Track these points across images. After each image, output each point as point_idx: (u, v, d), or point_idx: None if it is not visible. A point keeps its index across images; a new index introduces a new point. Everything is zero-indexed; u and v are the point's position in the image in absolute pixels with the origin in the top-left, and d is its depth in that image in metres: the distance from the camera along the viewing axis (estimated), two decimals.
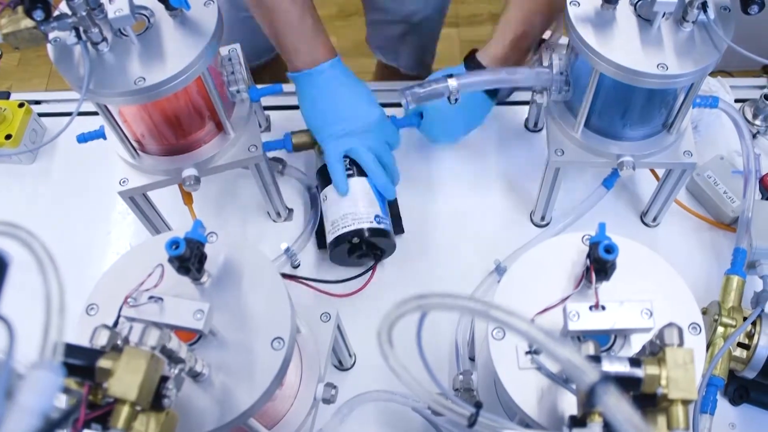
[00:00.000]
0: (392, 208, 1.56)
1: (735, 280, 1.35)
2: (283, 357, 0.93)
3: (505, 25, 1.49)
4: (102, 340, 0.79)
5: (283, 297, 0.98)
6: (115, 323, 0.89)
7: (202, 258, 0.96)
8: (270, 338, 0.94)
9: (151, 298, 0.91)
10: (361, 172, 1.48)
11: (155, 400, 0.79)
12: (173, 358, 0.84)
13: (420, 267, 1.56)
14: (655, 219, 1.58)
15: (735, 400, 1.36)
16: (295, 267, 1.55)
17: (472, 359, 1.37)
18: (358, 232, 1.43)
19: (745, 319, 1.29)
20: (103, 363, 0.76)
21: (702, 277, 1.49)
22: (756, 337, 1.28)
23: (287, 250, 1.51)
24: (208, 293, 0.98)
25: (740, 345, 1.29)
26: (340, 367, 1.43)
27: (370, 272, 1.51)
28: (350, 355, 1.42)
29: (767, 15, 1.21)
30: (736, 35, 1.18)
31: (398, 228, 1.56)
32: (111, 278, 1.01)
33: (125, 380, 0.75)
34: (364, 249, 1.47)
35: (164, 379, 0.80)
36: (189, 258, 0.92)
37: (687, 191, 1.62)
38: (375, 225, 1.44)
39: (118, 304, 0.91)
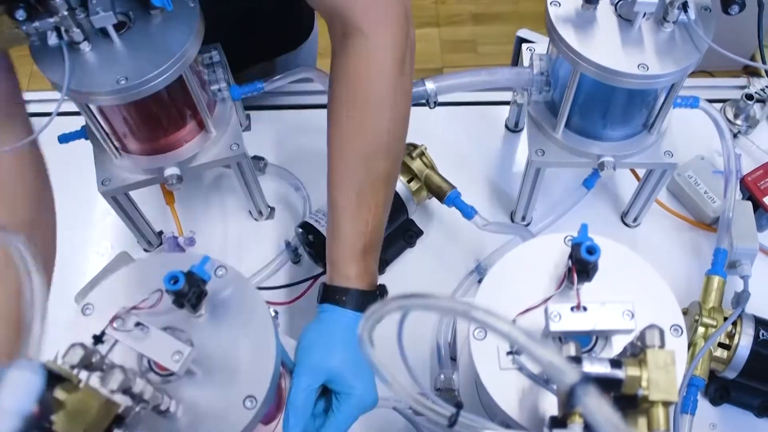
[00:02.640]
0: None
1: (716, 280, 1.35)
2: (251, 417, 0.91)
3: (345, 243, 1.19)
4: (74, 359, 0.77)
5: (270, 354, 0.95)
6: (102, 334, 0.88)
7: (200, 295, 0.94)
8: (244, 395, 0.92)
9: (137, 325, 0.88)
10: None
11: None
12: (136, 398, 0.83)
13: (401, 266, 1.56)
14: (635, 219, 1.59)
15: (716, 401, 1.37)
16: (295, 262, 1.56)
17: (453, 359, 1.36)
18: (315, 233, 1.44)
19: (725, 319, 1.29)
20: (59, 393, 0.73)
21: (683, 277, 1.50)
22: (736, 337, 1.28)
23: (288, 244, 1.50)
24: (200, 328, 0.96)
25: (721, 345, 1.29)
26: None
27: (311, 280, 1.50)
28: None
29: (747, 15, 1.22)
30: (716, 35, 1.18)
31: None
32: (117, 281, 1.00)
33: (71, 420, 0.73)
34: (315, 253, 1.47)
35: (118, 419, 0.79)
36: (186, 294, 0.90)
37: (668, 191, 1.63)
38: None
39: (114, 309, 0.90)
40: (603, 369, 0.77)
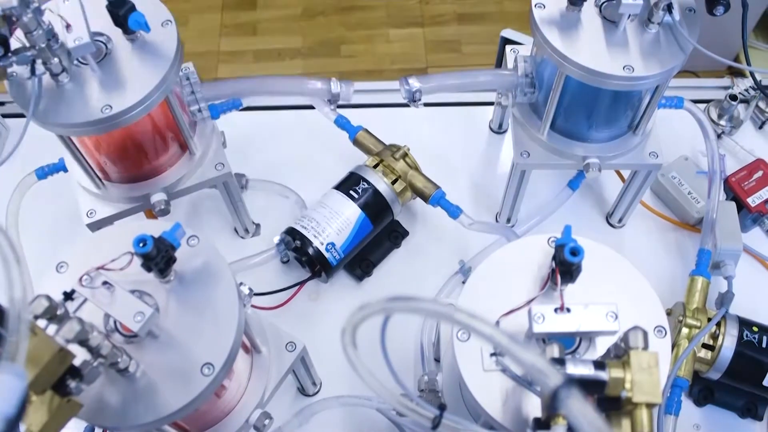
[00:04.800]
0: (365, 253, 1.54)
1: (700, 281, 1.36)
2: (207, 383, 0.92)
3: None
4: (38, 309, 0.78)
5: (231, 325, 0.96)
6: (72, 292, 0.89)
7: (169, 261, 0.94)
8: (202, 362, 0.93)
9: (104, 283, 0.90)
10: (362, 203, 1.47)
11: (57, 388, 0.78)
12: (93, 351, 0.84)
13: (387, 267, 1.56)
14: (620, 220, 1.59)
15: (699, 401, 1.37)
16: (285, 262, 1.55)
17: (437, 360, 1.36)
18: (302, 239, 1.44)
19: (709, 320, 1.29)
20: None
21: (667, 278, 1.50)
22: (720, 338, 1.29)
23: (279, 243, 1.49)
24: (167, 293, 0.97)
25: (705, 346, 1.29)
26: (303, 392, 1.42)
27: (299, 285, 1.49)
28: (314, 384, 1.40)
29: (732, 16, 1.22)
30: (701, 36, 1.18)
31: (356, 271, 1.53)
32: (93, 243, 1.01)
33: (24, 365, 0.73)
34: (303, 258, 1.47)
35: (74, 371, 0.79)
36: (154, 258, 0.91)
37: (652, 192, 1.63)
38: (319, 246, 1.43)
39: (87, 268, 0.91)
40: (586, 371, 0.77)
